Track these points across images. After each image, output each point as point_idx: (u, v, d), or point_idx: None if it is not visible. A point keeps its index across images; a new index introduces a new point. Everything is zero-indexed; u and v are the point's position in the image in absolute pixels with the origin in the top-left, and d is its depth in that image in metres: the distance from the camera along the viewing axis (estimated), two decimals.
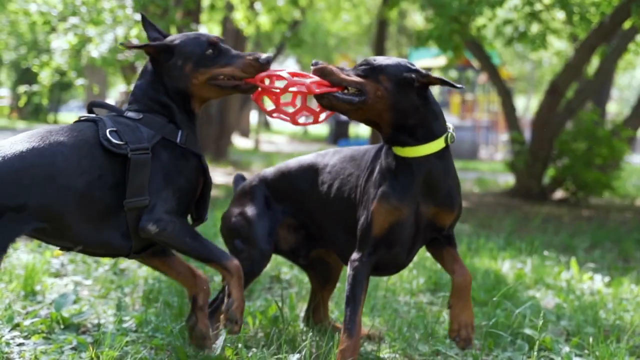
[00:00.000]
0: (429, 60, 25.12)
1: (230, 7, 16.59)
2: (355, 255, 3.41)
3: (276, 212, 3.78)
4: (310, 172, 3.76)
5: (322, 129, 49.02)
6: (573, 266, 6.03)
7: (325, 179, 3.68)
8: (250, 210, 3.76)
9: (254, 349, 3.52)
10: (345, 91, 3.34)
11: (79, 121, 3.38)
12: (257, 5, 15.33)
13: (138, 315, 4.02)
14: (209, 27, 26.53)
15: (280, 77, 3.36)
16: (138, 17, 11.21)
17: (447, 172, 3.43)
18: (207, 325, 3.43)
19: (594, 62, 14.00)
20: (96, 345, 3.49)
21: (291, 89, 3.32)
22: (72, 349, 3.54)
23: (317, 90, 3.29)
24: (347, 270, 3.40)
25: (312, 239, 3.82)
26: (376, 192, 3.38)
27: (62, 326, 3.87)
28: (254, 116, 35.71)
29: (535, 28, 11.78)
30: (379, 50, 20.77)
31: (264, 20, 15.47)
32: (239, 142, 31.52)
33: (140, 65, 11.85)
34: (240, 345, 3.52)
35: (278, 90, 3.37)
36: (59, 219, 3.12)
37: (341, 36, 35.63)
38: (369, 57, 3.53)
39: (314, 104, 3.43)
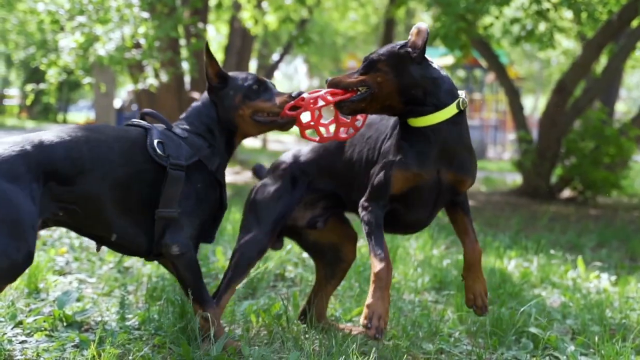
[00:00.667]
0: (437, 59, 25.07)
1: (237, 7, 16.57)
2: (367, 202, 3.55)
3: (299, 191, 3.91)
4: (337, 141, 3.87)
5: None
6: (580, 265, 6.00)
7: (349, 144, 3.84)
8: (273, 191, 3.90)
9: (257, 347, 3.50)
10: (358, 92, 3.52)
11: (130, 125, 3.66)
12: (265, 4, 15.31)
13: (141, 313, 4.01)
14: (217, 27, 26.61)
15: (302, 99, 3.61)
16: (145, 15, 11.23)
17: (462, 139, 3.56)
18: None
19: (602, 61, 13.95)
20: (98, 343, 3.47)
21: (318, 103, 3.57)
22: (74, 346, 3.52)
23: (332, 99, 3.51)
24: (360, 213, 3.54)
25: (335, 206, 3.96)
26: (394, 159, 3.52)
27: (64, 324, 3.85)
28: None
29: (542, 27, 11.72)
30: None
31: (271, 20, 15.44)
32: (247, 141, 31.49)
33: (147, 65, 11.88)
34: (242, 343, 3.51)
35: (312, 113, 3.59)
36: (95, 203, 3.36)
37: (349, 35, 35.59)
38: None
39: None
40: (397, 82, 3.46)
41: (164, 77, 11.95)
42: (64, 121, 39.90)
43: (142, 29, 11.22)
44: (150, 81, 11.86)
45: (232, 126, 3.74)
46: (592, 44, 12.33)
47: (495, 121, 29.46)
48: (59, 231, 6.17)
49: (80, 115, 43.03)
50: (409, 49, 3.46)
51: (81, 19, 11.70)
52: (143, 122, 3.64)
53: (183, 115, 3.80)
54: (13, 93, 46.46)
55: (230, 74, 3.78)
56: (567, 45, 22.08)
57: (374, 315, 3.21)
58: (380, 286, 3.27)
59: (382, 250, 3.39)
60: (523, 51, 38.19)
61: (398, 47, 3.51)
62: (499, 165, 23.40)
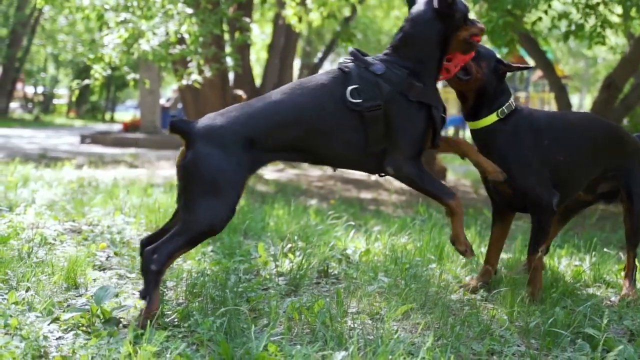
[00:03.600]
0: None
1: (281, 4, 16.48)
2: None
3: None
4: None
5: None
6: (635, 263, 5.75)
7: None
8: None
9: (299, 346, 3.36)
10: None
11: (338, 68, 4.00)
12: (309, 1, 15.18)
13: (180, 309, 3.88)
14: (261, 26, 26.54)
15: None
16: (189, 11, 11.17)
17: (498, 143, 4.40)
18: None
19: None
20: (135, 340, 3.35)
21: None
22: (111, 343, 3.40)
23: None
24: None
25: None
26: None
27: (102, 320, 3.73)
28: None
29: (591, 22, 11.41)
30: None
31: (315, 17, 15.31)
32: None
33: (191, 61, 11.80)
34: (284, 342, 3.37)
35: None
36: (320, 153, 3.94)
37: (393, 34, 35.36)
38: None
39: None
40: (486, 84, 4.38)
41: (208, 73, 11.89)
42: (112, 119, 40.22)
43: (185, 26, 11.17)
44: (194, 77, 11.80)
45: (447, 47, 4.07)
46: None
47: None
48: (101, 226, 6.09)
49: (127, 114, 43.41)
50: (500, 65, 4.42)
51: (125, 14, 11.70)
52: (348, 65, 3.96)
53: (391, 44, 4.08)
54: (62, 92, 47.12)
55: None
56: (615, 41, 21.65)
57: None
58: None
59: None
60: (568, 49, 37.71)
61: (494, 59, 4.41)
62: None
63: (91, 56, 12.21)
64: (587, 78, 43.72)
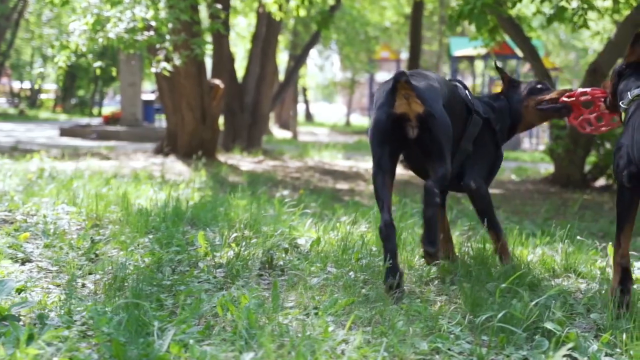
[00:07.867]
0: (470, 49, 24.38)
1: None
2: None
3: None
4: None
5: (364, 120, 48.28)
6: (610, 253, 5.32)
7: None
8: None
9: (208, 347, 2.91)
10: None
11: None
12: None
13: (90, 305, 3.43)
14: (247, 16, 26.12)
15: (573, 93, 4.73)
16: None
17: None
18: None
19: None
20: (28, 341, 2.90)
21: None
22: None
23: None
24: None
25: None
26: None
27: None
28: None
29: (574, 5, 10.97)
30: (415, 34, 20.07)
31: (293, 3, 14.89)
32: (277, 132, 31.24)
33: (160, 48, 11.40)
34: (191, 341, 2.92)
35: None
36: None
37: (382, 27, 35.10)
38: None
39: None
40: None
41: (178, 61, 11.49)
42: (99, 114, 39.72)
43: (151, 12, 10.80)
44: (163, 65, 11.42)
45: (518, 116, 4.90)
46: (627, 22, 11.61)
47: None
48: (37, 216, 5.65)
49: (114, 108, 43.03)
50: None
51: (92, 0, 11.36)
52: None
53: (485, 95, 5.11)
54: (49, 87, 46.76)
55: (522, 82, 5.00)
56: (602, 26, 21.27)
57: None
58: None
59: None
60: (559, 41, 37.34)
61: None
62: (532, 156, 22.67)
63: (56, 44, 11.83)
64: (577, 70, 43.30)
